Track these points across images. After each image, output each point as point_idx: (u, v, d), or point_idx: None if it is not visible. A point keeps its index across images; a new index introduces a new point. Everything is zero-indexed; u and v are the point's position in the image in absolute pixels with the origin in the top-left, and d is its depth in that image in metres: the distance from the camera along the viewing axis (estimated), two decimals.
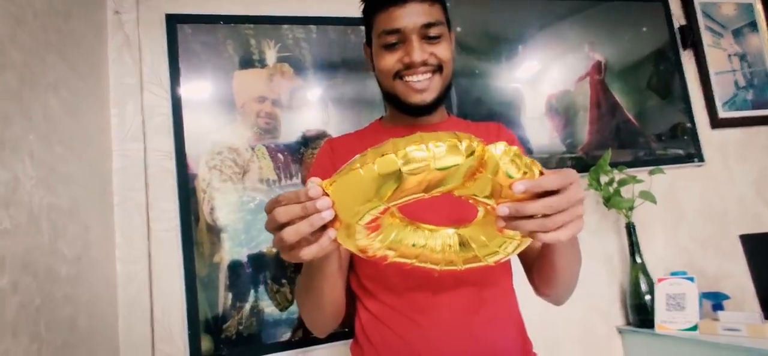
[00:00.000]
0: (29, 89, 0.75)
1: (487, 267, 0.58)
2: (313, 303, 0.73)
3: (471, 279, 0.77)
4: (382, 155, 0.44)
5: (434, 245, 0.57)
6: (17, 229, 0.68)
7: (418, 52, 0.74)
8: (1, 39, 0.67)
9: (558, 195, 0.48)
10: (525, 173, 0.46)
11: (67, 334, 0.83)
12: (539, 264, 0.77)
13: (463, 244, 0.57)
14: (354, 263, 0.84)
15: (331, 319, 0.77)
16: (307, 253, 0.50)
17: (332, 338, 1.24)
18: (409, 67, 0.76)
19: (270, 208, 0.51)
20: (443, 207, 0.62)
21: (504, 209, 0.48)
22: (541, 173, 0.48)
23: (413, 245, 0.56)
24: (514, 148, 0.46)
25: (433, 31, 0.76)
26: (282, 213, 0.49)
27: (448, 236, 0.58)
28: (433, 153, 0.43)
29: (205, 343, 1.16)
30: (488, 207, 0.50)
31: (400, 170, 0.43)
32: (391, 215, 0.54)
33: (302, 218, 0.48)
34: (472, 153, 0.44)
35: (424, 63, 0.76)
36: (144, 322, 1.14)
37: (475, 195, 0.48)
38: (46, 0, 0.83)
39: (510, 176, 0.46)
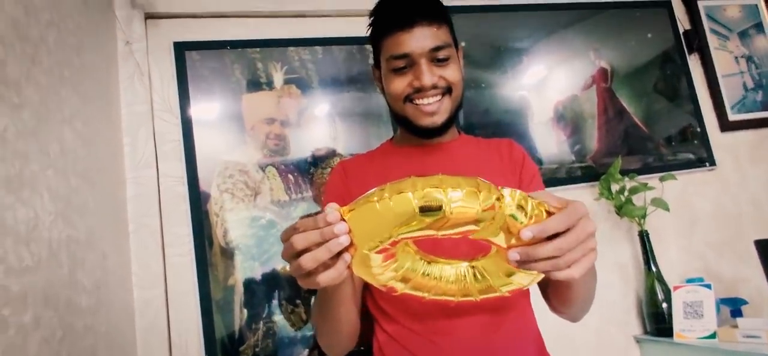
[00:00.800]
0: (45, 125, 0.76)
1: (503, 295, 0.58)
2: (329, 326, 0.74)
3: (489, 302, 0.77)
4: (400, 192, 0.44)
5: (449, 276, 0.57)
6: (38, 265, 0.69)
7: (428, 76, 0.74)
8: (18, 79, 0.68)
9: (567, 235, 0.47)
10: (531, 217, 0.46)
11: None
12: (555, 286, 0.76)
13: (478, 276, 0.57)
14: (370, 286, 0.84)
15: (347, 341, 0.78)
16: (324, 278, 0.51)
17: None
18: (419, 90, 0.76)
19: (287, 236, 0.52)
20: (459, 239, 0.62)
21: (515, 256, 0.49)
22: (549, 213, 0.48)
23: (427, 275, 0.56)
24: (520, 193, 0.46)
25: (441, 54, 0.76)
26: (300, 240, 0.50)
27: (462, 268, 0.58)
28: (450, 198, 0.43)
29: None
30: (501, 249, 0.50)
31: (414, 209, 0.44)
32: (405, 245, 0.54)
33: (319, 244, 0.49)
34: (490, 207, 0.44)
35: (434, 86, 0.76)
36: (162, 346, 1.15)
37: (487, 238, 0.48)
38: (59, 36, 0.84)
39: (517, 221, 0.46)
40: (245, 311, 1.20)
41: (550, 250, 0.47)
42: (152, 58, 1.24)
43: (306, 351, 1.21)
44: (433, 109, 0.77)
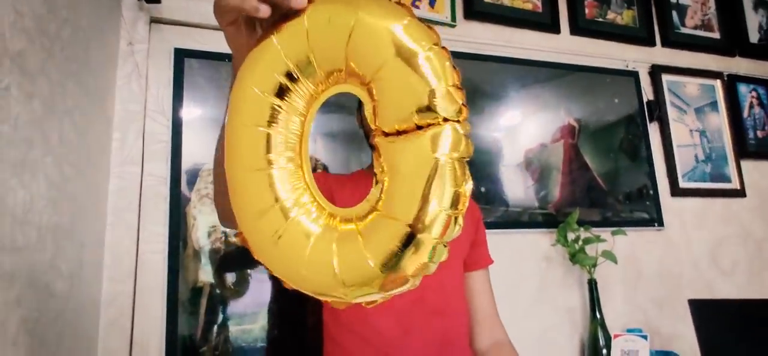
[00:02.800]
0: (50, 115, 0.81)
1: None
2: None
3: (438, 322, 0.84)
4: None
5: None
6: (27, 247, 0.73)
7: None
8: (34, 71, 0.73)
9: None
10: None
11: (54, 349, 0.87)
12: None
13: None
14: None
15: None
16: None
17: None
18: None
19: None
20: None
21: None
22: None
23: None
24: None
25: None
26: None
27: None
28: None
29: None
30: None
31: None
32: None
33: None
34: None
35: None
36: (124, 341, 1.17)
37: None
38: (72, 33, 0.89)
39: None
40: (207, 315, 1.24)
41: None
42: (152, 60, 1.29)
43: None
44: None
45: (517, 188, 1.63)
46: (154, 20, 1.30)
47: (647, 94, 1.92)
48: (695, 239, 1.83)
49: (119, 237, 1.21)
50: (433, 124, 0.37)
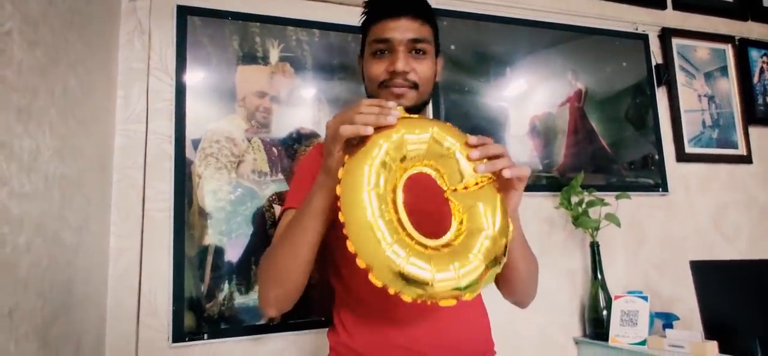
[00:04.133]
0: (53, 66, 0.81)
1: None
2: (292, 260, 0.73)
3: None
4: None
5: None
6: (35, 194, 0.75)
7: (402, 62, 0.81)
8: (36, 18, 0.73)
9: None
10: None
11: (65, 297, 0.89)
12: (504, 270, 0.86)
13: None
14: (334, 258, 0.91)
15: (302, 280, 0.76)
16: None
17: (309, 325, 1.31)
18: (393, 76, 0.83)
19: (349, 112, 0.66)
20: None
21: (475, 152, 0.65)
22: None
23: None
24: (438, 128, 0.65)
25: (419, 46, 0.84)
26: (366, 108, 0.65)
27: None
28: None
29: (188, 320, 1.22)
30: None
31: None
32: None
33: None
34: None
35: (405, 75, 0.83)
36: (131, 295, 1.20)
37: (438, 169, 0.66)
38: None
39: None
40: (213, 272, 1.26)
41: (495, 149, 0.66)
42: (154, 18, 1.28)
43: (266, 318, 1.28)
44: (400, 92, 0.84)
45: (522, 156, 1.63)
46: None
47: (656, 57, 1.89)
48: (699, 205, 1.83)
49: (125, 194, 1.22)
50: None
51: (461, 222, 0.64)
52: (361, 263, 0.59)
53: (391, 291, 0.59)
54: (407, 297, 0.59)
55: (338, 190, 0.62)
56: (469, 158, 0.65)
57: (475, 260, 0.60)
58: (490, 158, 0.65)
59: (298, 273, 0.75)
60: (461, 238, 0.63)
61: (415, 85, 0.84)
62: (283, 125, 1.37)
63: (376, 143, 0.62)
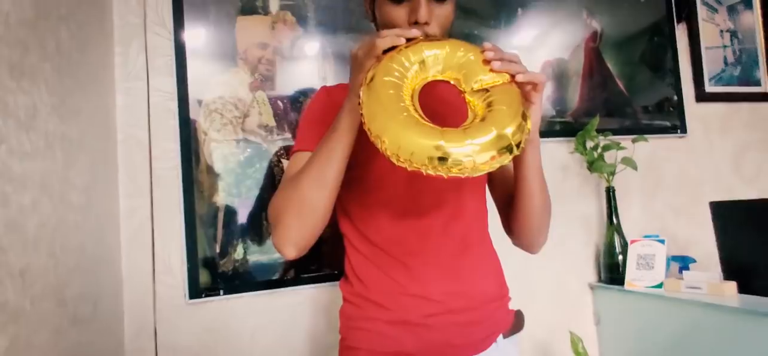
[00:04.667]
0: (43, 19, 0.78)
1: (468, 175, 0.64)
2: (319, 182, 0.72)
3: (456, 224, 0.83)
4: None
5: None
6: (36, 153, 0.73)
7: (425, 11, 0.75)
8: None
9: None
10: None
11: (78, 258, 0.89)
12: (515, 202, 0.83)
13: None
14: (346, 205, 0.89)
15: (327, 210, 0.74)
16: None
17: (322, 279, 1.31)
18: (412, 25, 0.79)
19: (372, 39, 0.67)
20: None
21: (489, 53, 0.66)
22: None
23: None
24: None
25: None
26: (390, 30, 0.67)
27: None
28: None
29: (203, 277, 1.23)
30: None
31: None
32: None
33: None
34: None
35: (426, 24, 0.78)
36: (146, 254, 1.20)
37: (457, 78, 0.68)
38: None
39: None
40: (226, 229, 1.25)
41: (510, 55, 0.67)
42: None
43: (281, 271, 1.29)
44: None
45: None
46: None
47: None
48: (718, 146, 1.77)
49: (131, 154, 1.21)
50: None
51: (476, 117, 0.66)
52: (387, 146, 0.60)
53: (425, 169, 0.59)
54: (433, 171, 0.59)
55: (363, 94, 0.63)
56: (484, 62, 0.67)
57: (489, 135, 0.61)
58: (504, 61, 0.67)
59: (325, 203, 0.72)
60: (477, 122, 0.64)
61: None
62: (288, 81, 1.33)
63: (396, 53, 0.66)
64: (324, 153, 0.72)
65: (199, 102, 1.26)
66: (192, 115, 1.25)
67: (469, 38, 1.53)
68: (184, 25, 1.25)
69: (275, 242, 0.76)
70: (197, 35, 1.27)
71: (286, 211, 0.74)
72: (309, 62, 1.36)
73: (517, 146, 0.61)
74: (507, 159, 0.61)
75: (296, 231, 0.73)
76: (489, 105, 0.64)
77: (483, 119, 0.62)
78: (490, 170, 0.61)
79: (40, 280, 0.73)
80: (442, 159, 0.58)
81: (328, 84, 1.34)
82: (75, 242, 0.88)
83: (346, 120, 0.71)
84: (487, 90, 0.66)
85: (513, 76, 0.67)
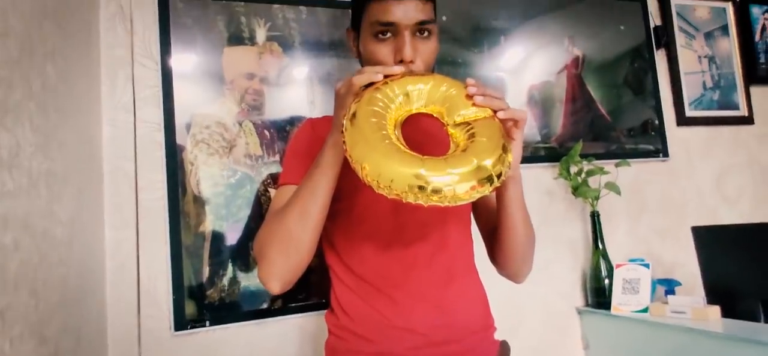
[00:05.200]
0: (28, 57, 0.78)
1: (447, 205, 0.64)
2: (303, 225, 0.72)
3: (441, 256, 0.84)
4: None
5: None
6: (19, 191, 0.72)
7: (409, 49, 0.76)
8: (4, 7, 0.70)
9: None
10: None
11: (61, 293, 0.88)
12: (498, 233, 0.84)
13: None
14: (331, 237, 0.89)
15: (311, 249, 0.74)
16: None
17: (310, 308, 1.31)
18: (398, 61, 0.79)
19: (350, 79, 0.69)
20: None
21: (472, 87, 0.68)
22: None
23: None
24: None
25: (424, 27, 0.79)
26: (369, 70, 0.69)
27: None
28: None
29: (189, 308, 1.22)
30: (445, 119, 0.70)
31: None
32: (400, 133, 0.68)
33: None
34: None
35: (412, 61, 0.79)
36: (130, 286, 1.19)
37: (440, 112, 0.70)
38: None
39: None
40: (213, 259, 1.25)
41: (492, 91, 0.69)
42: (135, 2, 1.24)
43: (268, 301, 1.28)
44: None
45: None
46: None
47: (655, 19, 1.85)
48: (700, 169, 1.81)
49: (117, 185, 1.20)
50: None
51: (458, 148, 0.67)
52: (367, 173, 0.61)
53: (405, 196, 0.59)
54: (413, 199, 0.59)
55: (346, 124, 0.64)
56: (467, 97, 0.68)
57: (469, 165, 0.61)
58: (487, 96, 0.68)
59: (310, 238, 0.73)
60: (458, 153, 0.65)
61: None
62: (276, 107, 1.34)
63: (382, 85, 0.68)
64: (308, 188, 0.73)
65: (187, 132, 1.26)
66: (179, 144, 1.25)
67: (454, 63, 1.56)
68: (171, 56, 1.26)
69: (260, 277, 0.76)
70: (184, 66, 1.28)
71: (270, 246, 0.74)
72: (296, 90, 1.37)
73: (498, 177, 0.62)
74: (487, 190, 0.61)
75: (281, 266, 0.74)
76: (470, 137, 0.65)
77: (464, 150, 0.63)
78: (471, 201, 0.61)
79: (21, 320, 0.72)
80: (422, 187, 0.58)
81: (316, 109, 1.37)
82: (58, 278, 0.87)
83: (329, 155, 0.72)
84: (469, 123, 0.67)
85: (495, 111, 0.68)
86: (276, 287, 0.75)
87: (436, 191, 0.58)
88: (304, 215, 0.72)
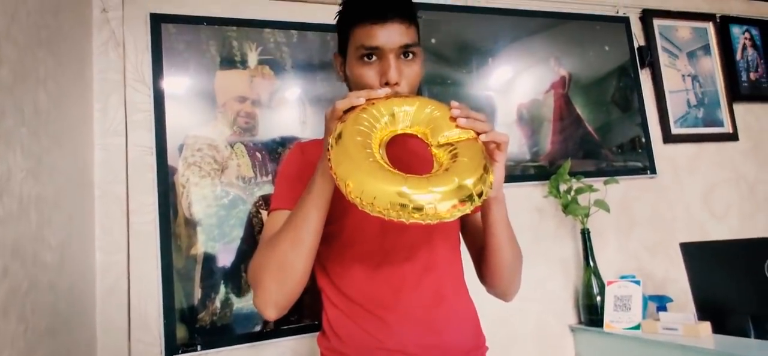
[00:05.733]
0: (21, 83, 0.79)
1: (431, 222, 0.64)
2: (296, 253, 0.72)
3: (430, 277, 0.85)
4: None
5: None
6: (8, 217, 0.72)
7: (394, 71, 0.77)
8: None
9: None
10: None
11: (50, 318, 0.87)
12: (485, 254, 0.85)
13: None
14: (322, 260, 0.89)
15: (304, 277, 0.75)
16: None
17: (303, 330, 1.30)
18: (383, 84, 0.81)
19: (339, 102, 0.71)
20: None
21: (456, 109, 0.70)
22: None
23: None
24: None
25: (409, 50, 0.81)
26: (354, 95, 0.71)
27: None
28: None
29: (180, 332, 1.21)
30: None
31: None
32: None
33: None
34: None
35: (396, 83, 0.81)
36: (121, 310, 1.18)
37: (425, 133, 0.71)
38: None
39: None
40: (203, 282, 1.24)
41: (476, 114, 0.70)
42: (128, 27, 1.26)
43: (261, 324, 1.27)
44: None
45: (511, 144, 1.61)
46: None
47: (638, 40, 1.89)
48: (688, 185, 1.83)
49: (108, 209, 1.20)
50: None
51: (441, 168, 0.68)
52: (351, 190, 0.62)
53: (387, 213, 0.60)
54: (395, 216, 0.60)
55: (332, 144, 0.65)
56: (451, 119, 0.70)
57: (451, 184, 0.62)
58: (470, 118, 0.70)
59: (304, 264, 0.74)
60: (441, 172, 0.67)
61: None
62: (268, 129, 1.36)
63: (367, 107, 0.70)
64: (300, 216, 0.73)
65: (178, 155, 1.27)
66: (170, 169, 1.25)
67: (443, 82, 1.58)
68: (163, 79, 1.28)
69: (256, 304, 0.77)
70: (176, 89, 1.29)
71: (265, 273, 0.75)
72: (288, 111, 1.39)
73: (479, 196, 0.63)
74: (469, 208, 0.62)
75: (276, 293, 0.75)
76: (453, 157, 0.67)
77: (446, 170, 0.65)
78: (452, 219, 0.62)
79: (9, 347, 0.71)
80: (404, 205, 0.59)
81: (308, 128, 1.38)
82: (47, 303, 0.86)
83: (320, 183, 0.73)
84: (452, 144, 0.69)
85: (478, 133, 0.70)
86: (272, 314, 0.76)
87: (417, 209, 0.59)
88: (297, 242, 0.73)
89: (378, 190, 0.60)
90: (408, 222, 0.60)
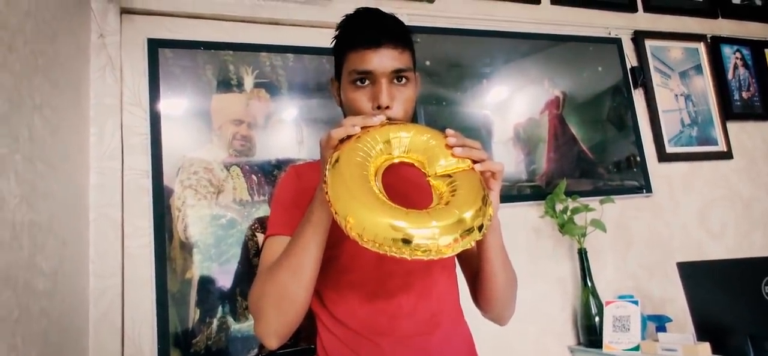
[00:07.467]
0: (17, 110, 0.79)
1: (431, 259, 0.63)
2: (297, 281, 0.72)
3: (425, 303, 0.84)
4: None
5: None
6: (1, 245, 0.72)
7: (386, 96, 0.78)
8: None
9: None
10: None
11: (41, 347, 0.86)
12: (479, 279, 0.85)
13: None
14: (317, 285, 0.89)
15: (306, 301, 0.75)
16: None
17: (297, 355, 1.28)
18: (375, 107, 0.82)
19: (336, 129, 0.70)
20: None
21: (452, 138, 0.70)
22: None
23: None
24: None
25: (401, 74, 0.82)
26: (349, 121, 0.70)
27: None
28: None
29: None
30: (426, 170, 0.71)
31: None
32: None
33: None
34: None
35: (388, 107, 0.82)
36: (114, 336, 1.16)
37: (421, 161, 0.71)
38: (35, 25, 0.87)
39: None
40: (199, 305, 1.23)
41: (471, 142, 0.70)
42: (125, 52, 1.27)
43: (257, 348, 1.26)
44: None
45: (508, 164, 1.63)
46: (125, 11, 1.27)
47: (631, 60, 1.92)
48: (684, 204, 1.84)
49: (103, 233, 1.19)
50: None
51: (441, 201, 0.68)
52: (352, 226, 0.61)
53: (389, 250, 0.60)
54: (397, 252, 0.60)
55: (328, 175, 0.65)
56: (447, 147, 0.70)
57: (451, 218, 0.62)
58: (466, 147, 0.70)
59: (304, 294, 0.74)
60: (441, 206, 0.66)
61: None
62: (264, 151, 1.36)
63: (364, 134, 0.70)
64: (299, 244, 0.73)
65: (175, 177, 1.27)
66: (166, 192, 1.25)
67: (439, 103, 1.60)
68: (159, 104, 1.28)
69: (257, 333, 0.77)
70: (173, 113, 1.29)
71: (265, 302, 0.75)
72: (284, 133, 1.39)
73: (479, 229, 0.63)
74: (470, 242, 0.62)
75: (276, 323, 0.75)
76: (452, 190, 0.66)
77: (447, 204, 0.64)
78: (454, 254, 0.62)
79: None
80: (406, 241, 0.59)
81: (305, 148, 1.38)
82: (38, 331, 0.85)
83: (317, 213, 0.72)
84: (450, 175, 0.69)
85: (474, 162, 0.70)
86: (274, 343, 0.76)
87: (419, 246, 0.59)
88: (297, 272, 0.73)
89: (379, 226, 0.59)
90: (410, 259, 0.60)
